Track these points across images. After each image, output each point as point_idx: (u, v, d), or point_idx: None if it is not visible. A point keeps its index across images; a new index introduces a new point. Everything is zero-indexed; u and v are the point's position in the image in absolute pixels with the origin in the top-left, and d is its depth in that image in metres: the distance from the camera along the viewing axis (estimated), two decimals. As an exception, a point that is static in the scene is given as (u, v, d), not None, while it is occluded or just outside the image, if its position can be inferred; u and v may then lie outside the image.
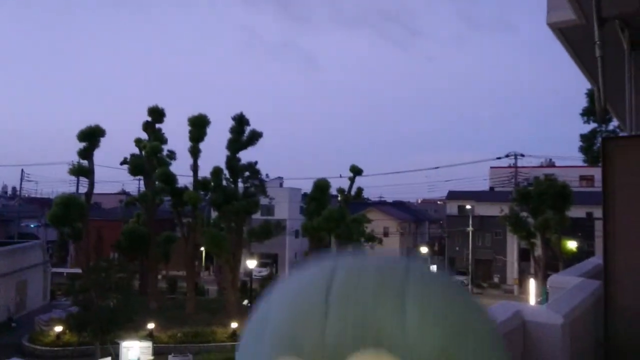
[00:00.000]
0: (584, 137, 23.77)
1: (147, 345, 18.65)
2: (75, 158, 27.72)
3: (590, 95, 20.37)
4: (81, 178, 31.08)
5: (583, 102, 22.91)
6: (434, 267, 0.65)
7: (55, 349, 21.16)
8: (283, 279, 0.67)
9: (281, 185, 50.35)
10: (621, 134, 8.53)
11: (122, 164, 30.41)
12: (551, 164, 54.86)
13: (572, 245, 33.44)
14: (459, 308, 0.62)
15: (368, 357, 0.56)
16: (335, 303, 0.60)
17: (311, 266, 0.66)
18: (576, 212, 35.09)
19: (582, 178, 50.51)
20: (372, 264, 0.64)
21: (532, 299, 22.62)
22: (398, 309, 0.59)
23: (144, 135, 30.74)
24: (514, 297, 36.92)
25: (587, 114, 22.89)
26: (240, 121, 29.45)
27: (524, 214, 34.30)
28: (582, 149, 23.89)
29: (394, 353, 0.56)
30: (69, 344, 21.06)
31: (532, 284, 24.66)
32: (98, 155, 33.66)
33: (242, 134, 29.44)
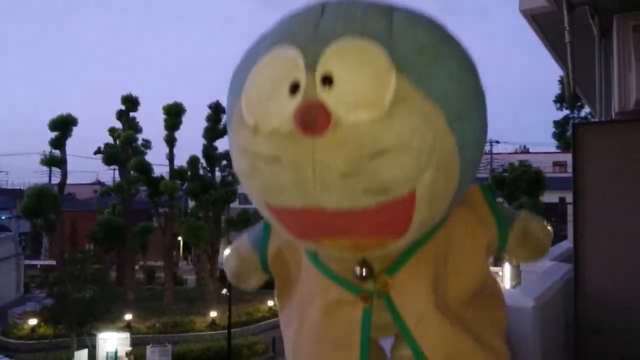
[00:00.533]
0: (556, 124, 24.25)
1: (125, 336, 18.47)
2: (47, 148, 27.17)
3: (562, 82, 20.70)
4: (54, 168, 30.44)
5: (556, 89, 23.31)
6: None
7: (30, 342, 20.81)
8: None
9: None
10: (592, 120, 8.71)
11: (95, 153, 29.85)
12: (525, 151, 55.77)
13: (545, 229, 34.09)
14: (438, 28, 0.73)
15: (352, 43, 0.63)
16: (331, 7, 0.69)
17: None
18: (550, 197, 35.81)
19: (556, 164, 51.53)
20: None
21: (507, 284, 23.10)
22: (386, 14, 0.68)
23: (118, 124, 30.21)
24: (490, 281, 37.53)
25: (560, 100, 23.33)
26: (217, 109, 29.11)
27: (499, 199, 34.82)
28: (555, 135, 24.35)
29: (377, 42, 0.63)
30: (45, 337, 20.71)
31: (506, 268, 25.17)
32: (71, 144, 33.00)
33: (218, 122, 29.12)
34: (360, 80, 0.61)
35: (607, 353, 2.39)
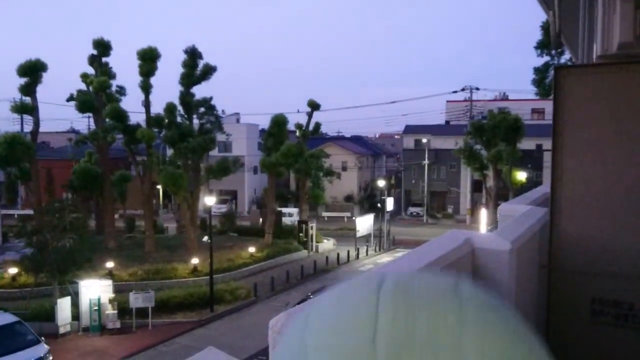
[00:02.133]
0: (537, 70, 24.15)
1: (107, 283, 18.64)
2: (17, 95, 26.26)
3: (544, 27, 20.51)
4: (25, 116, 29.57)
5: (537, 36, 23.09)
6: (486, 298, 0.53)
7: (12, 290, 20.88)
8: (319, 303, 0.55)
9: (238, 121, 49.49)
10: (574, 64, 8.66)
11: (68, 100, 28.95)
12: (505, 98, 55.93)
13: (522, 176, 34.84)
14: (520, 348, 0.52)
15: None
16: (382, 349, 0.50)
17: (350, 290, 0.55)
18: (527, 144, 36.32)
19: (534, 111, 51.91)
20: (421, 296, 0.53)
21: (484, 228, 23.71)
22: (455, 325, 0.50)
23: (91, 70, 29.23)
24: (467, 226, 38.61)
25: (541, 46, 23.15)
26: (193, 54, 28.32)
27: (478, 146, 35.25)
28: (535, 82, 24.32)
29: None
30: (26, 285, 20.79)
31: (483, 213, 25.77)
32: (43, 92, 31.97)
33: (195, 68, 28.40)
34: None
35: (580, 295, 2.46)
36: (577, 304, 2.44)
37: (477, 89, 46.74)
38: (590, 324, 2.42)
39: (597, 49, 2.66)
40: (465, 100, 48.59)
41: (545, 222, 2.63)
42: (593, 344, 2.42)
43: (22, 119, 40.83)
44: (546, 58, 23.56)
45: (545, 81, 23.31)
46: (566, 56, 19.03)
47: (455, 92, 47.11)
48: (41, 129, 27.80)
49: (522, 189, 28.48)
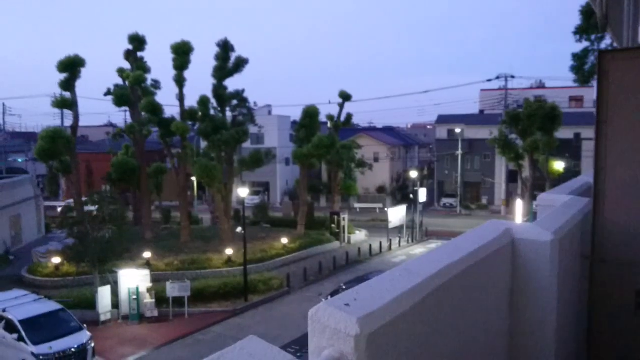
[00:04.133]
0: (575, 57, 23.37)
1: (145, 273, 19.11)
2: (57, 91, 27.07)
3: (584, 12, 19.81)
4: (66, 111, 30.45)
5: (575, 22, 22.34)
6: None
7: (55, 279, 21.69)
8: None
9: (270, 113, 49.76)
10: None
11: (106, 95, 29.68)
12: (541, 85, 54.41)
13: (559, 166, 33.92)
14: None
15: None
16: None
17: None
18: (565, 133, 35.31)
19: (572, 99, 50.36)
20: None
21: (519, 219, 23.20)
22: None
23: (127, 65, 29.86)
24: (501, 217, 37.89)
25: (581, 32, 22.37)
26: (225, 47, 28.52)
27: (513, 136, 34.45)
28: (574, 69, 23.55)
29: None
30: (68, 274, 21.57)
31: (519, 204, 25.21)
32: (82, 87, 32.86)
33: (227, 60, 28.61)
34: None
35: (622, 285, 2.39)
36: (621, 296, 2.37)
37: (513, 77, 45.60)
38: (635, 316, 2.34)
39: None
40: (500, 89, 47.50)
41: (587, 212, 2.56)
42: (638, 338, 2.35)
43: (62, 113, 42.08)
44: (585, 44, 22.77)
45: (585, 67, 22.54)
46: (607, 42, 18.35)
47: (490, 80, 46.22)
48: (80, 123, 28.60)
49: (560, 179, 27.73)
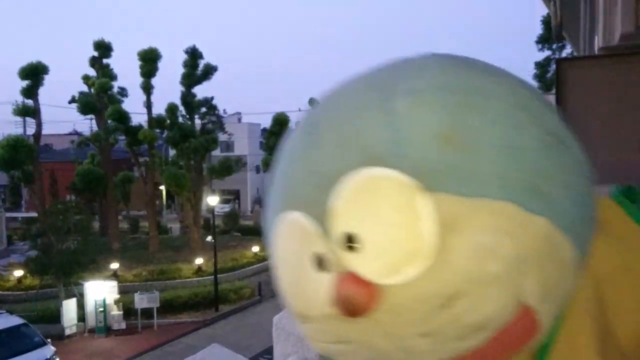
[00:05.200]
0: (537, 65, 24.11)
1: (113, 284, 18.68)
2: (19, 97, 26.31)
3: (545, 21, 20.46)
4: (27, 118, 29.61)
5: (537, 30, 23.07)
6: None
7: (17, 292, 20.96)
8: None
9: (240, 120, 49.53)
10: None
11: (70, 102, 29.04)
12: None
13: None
14: (462, 79, 0.51)
15: (361, 179, 0.48)
16: (317, 131, 0.53)
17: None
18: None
19: (536, 106, 51.79)
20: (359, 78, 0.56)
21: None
22: (383, 108, 0.50)
23: (92, 72, 29.28)
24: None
25: (542, 41, 23.11)
26: (194, 54, 28.32)
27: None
28: (536, 77, 24.26)
29: (387, 163, 0.47)
30: (31, 288, 20.85)
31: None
32: (45, 94, 32.01)
33: (196, 68, 28.40)
34: (385, 232, 0.47)
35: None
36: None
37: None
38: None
39: (599, 41, 2.65)
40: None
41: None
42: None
43: (24, 121, 40.87)
44: (547, 52, 23.51)
45: (547, 75, 23.24)
46: (567, 50, 18.99)
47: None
48: (44, 132, 27.87)
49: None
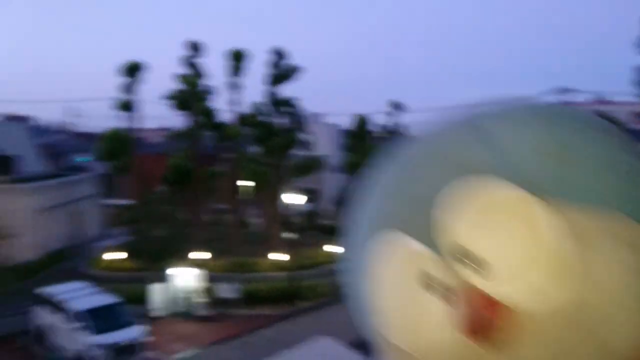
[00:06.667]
0: (638, 70, 22.45)
1: (197, 273, 19.55)
2: (112, 93, 28.30)
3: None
4: (125, 113, 31.75)
5: (635, 32, 21.50)
6: None
7: (113, 273, 22.50)
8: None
9: (320, 120, 50.05)
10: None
11: (164, 98, 30.78)
12: (601, 100, 52.26)
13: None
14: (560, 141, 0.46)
15: (472, 194, 0.44)
16: (413, 154, 0.52)
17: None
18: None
19: (636, 115, 48.09)
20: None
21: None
22: (479, 130, 0.48)
23: (184, 71, 30.81)
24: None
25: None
26: (279, 55, 29.04)
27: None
28: (637, 83, 22.61)
29: (494, 176, 0.44)
30: (125, 270, 22.33)
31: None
32: (141, 90, 34.16)
33: (280, 68, 29.11)
34: (517, 249, 0.41)
35: None
36: None
37: (570, 90, 43.99)
38: None
39: None
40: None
41: None
42: None
43: (123, 115, 43.73)
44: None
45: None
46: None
47: (546, 93, 44.69)
48: (139, 126, 29.74)
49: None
